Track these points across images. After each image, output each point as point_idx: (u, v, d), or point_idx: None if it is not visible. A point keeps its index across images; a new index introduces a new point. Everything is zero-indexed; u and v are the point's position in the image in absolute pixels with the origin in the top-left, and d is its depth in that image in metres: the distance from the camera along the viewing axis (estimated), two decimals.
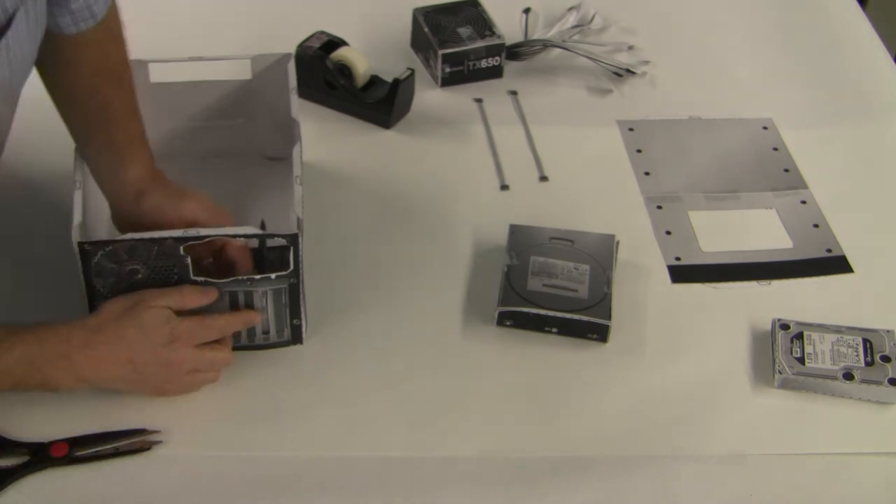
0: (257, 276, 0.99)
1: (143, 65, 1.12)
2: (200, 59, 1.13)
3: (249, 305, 1.01)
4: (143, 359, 0.95)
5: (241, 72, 1.17)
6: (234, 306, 1.01)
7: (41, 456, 0.94)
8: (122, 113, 1.05)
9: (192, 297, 0.98)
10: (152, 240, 0.96)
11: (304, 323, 1.04)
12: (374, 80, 1.32)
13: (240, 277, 0.99)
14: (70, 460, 0.94)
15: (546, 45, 1.42)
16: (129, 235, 0.96)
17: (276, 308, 1.02)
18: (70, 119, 1.06)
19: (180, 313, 0.97)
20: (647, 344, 1.08)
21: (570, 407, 1.02)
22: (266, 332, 1.03)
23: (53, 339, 0.93)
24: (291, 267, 0.99)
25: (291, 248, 0.98)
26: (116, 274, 0.97)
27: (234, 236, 0.99)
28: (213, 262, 1.04)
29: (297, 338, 1.05)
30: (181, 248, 0.96)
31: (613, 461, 0.97)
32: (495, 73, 1.39)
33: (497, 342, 1.08)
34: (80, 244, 0.96)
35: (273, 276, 0.99)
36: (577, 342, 1.07)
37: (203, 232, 0.97)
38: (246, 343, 1.03)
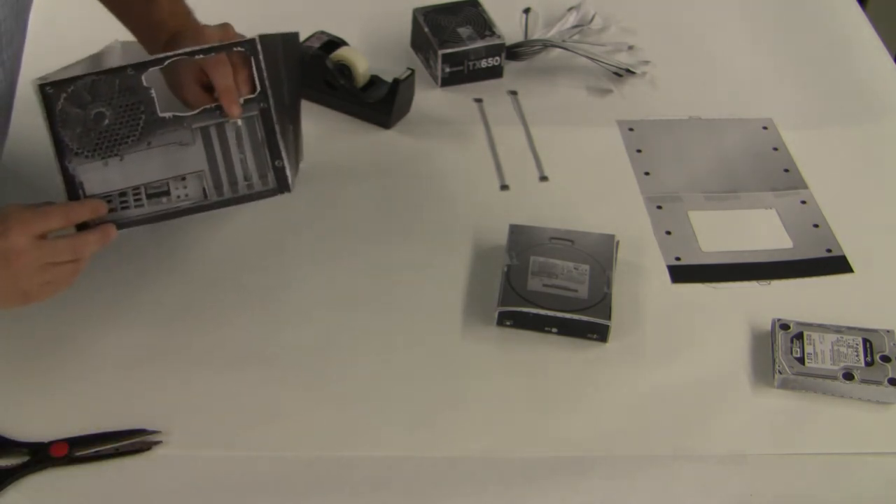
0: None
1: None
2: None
3: (223, 143, 0.97)
4: None
5: None
6: (208, 146, 0.97)
7: (41, 456, 0.94)
8: None
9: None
10: (112, 71, 0.94)
11: (287, 166, 1.00)
12: (374, 80, 1.32)
13: (208, 107, 0.96)
14: (70, 460, 0.94)
15: (546, 45, 1.42)
16: (89, 71, 0.93)
17: (254, 145, 0.98)
18: None
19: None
20: (647, 344, 1.08)
21: (570, 407, 1.02)
22: (248, 179, 1.00)
23: None
24: (258, 88, 0.96)
25: (253, 60, 0.95)
26: (83, 122, 0.95)
27: (192, 53, 0.95)
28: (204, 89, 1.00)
29: (282, 183, 1.00)
30: (143, 78, 0.94)
31: (613, 461, 0.97)
32: (495, 73, 1.39)
33: (497, 342, 1.07)
34: (42, 86, 0.93)
35: (241, 99, 0.97)
36: (577, 342, 1.07)
37: (160, 56, 0.94)
38: (230, 195, 1.00)
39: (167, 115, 0.96)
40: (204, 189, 0.99)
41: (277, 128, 0.98)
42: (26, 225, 0.92)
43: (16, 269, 0.92)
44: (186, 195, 0.99)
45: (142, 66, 0.94)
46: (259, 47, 0.96)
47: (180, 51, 0.96)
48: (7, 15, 0.97)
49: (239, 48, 0.96)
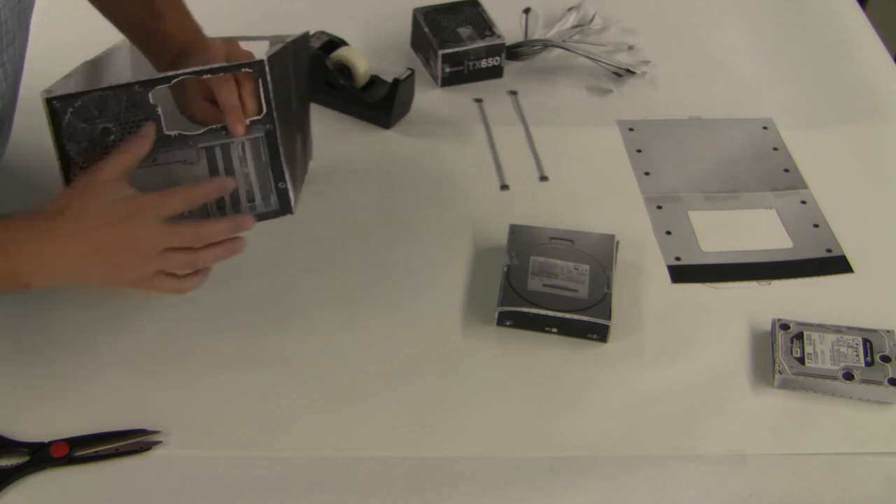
0: None
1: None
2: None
3: (228, 164, 0.98)
4: (106, 238, 0.91)
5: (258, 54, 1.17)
6: (212, 165, 0.98)
7: (41, 456, 0.94)
8: None
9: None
10: (119, 87, 0.94)
11: (290, 188, 1.01)
12: (374, 80, 1.32)
13: (213, 127, 0.97)
14: (70, 460, 0.94)
15: (546, 45, 1.42)
16: (97, 87, 0.94)
17: (258, 166, 0.99)
18: None
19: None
20: (647, 344, 1.08)
21: (570, 407, 1.02)
22: (251, 200, 1.00)
23: (16, 225, 0.90)
24: (264, 109, 0.96)
25: (260, 82, 0.95)
26: (89, 137, 0.95)
27: (200, 73, 0.96)
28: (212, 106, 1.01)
29: (285, 205, 1.01)
30: (150, 95, 0.94)
31: (613, 461, 0.97)
32: (495, 73, 1.39)
33: (497, 342, 1.08)
34: (49, 100, 0.94)
35: (247, 121, 0.97)
36: (577, 342, 1.07)
37: (169, 74, 0.95)
38: (232, 214, 1.01)
39: (173, 133, 0.97)
40: (207, 207, 1.00)
41: (282, 150, 0.99)
42: (156, 207, 0.93)
43: (138, 256, 0.93)
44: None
45: (150, 84, 0.94)
46: (267, 69, 0.96)
47: (187, 70, 0.96)
48: (9, 16, 0.98)
49: (247, 69, 0.96)
